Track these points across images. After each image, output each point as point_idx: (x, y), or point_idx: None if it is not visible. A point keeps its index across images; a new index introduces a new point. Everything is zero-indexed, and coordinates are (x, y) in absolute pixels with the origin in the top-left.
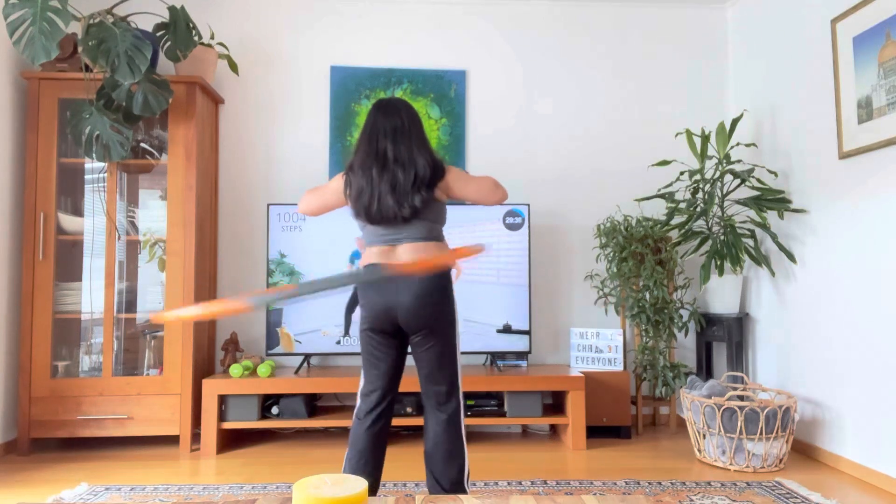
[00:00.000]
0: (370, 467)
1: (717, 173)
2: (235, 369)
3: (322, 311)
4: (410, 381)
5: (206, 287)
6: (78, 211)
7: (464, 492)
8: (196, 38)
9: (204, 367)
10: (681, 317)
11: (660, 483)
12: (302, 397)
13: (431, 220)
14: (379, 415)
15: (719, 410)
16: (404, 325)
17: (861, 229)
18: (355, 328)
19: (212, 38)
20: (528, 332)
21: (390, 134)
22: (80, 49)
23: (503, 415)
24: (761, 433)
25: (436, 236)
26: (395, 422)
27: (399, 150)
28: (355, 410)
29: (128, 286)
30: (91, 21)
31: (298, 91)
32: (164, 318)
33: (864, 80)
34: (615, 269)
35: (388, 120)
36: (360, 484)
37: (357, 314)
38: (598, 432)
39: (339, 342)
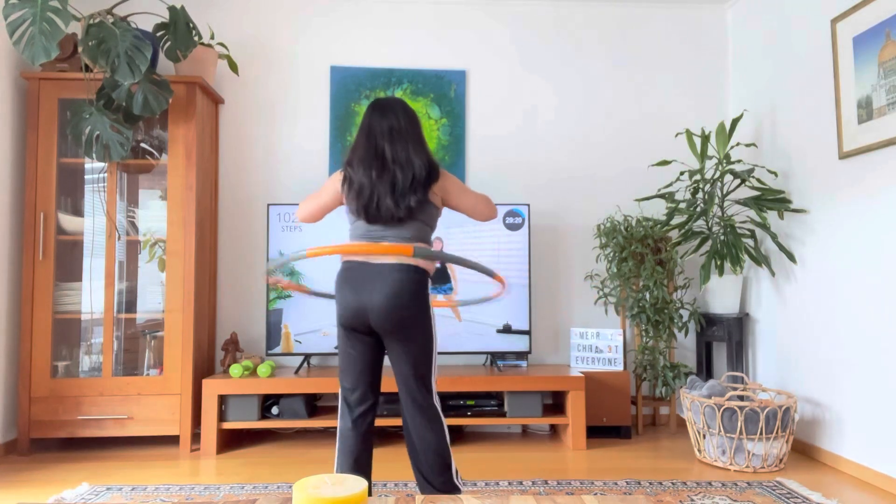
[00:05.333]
0: (360, 467)
1: (717, 173)
2: (235, 369)
3: (322, 312)
4: None
5: (206, 287)
6: (78, 211)
7: (457, 489)
8: (196, 38)
9: (204, 367)
10: (681, 317)
11: (660, 483)
12: (302, 397)
13: (423, 221)
14: (362, 413)
15: (719, 410)
16: (375, 325)
17: (861, 229)
18: None
19: (212, 38)
20: (528, 332)
21: (387, 134)
22: (80, 49)
23: (503, 415)
24: (761, 433)
25: (422, 238)
26: (393, 422)
27: (396, 150)
28: (339, 412)
29: (128, 286)
30: (91, 21)
31: (298, 91)
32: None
33: (864, 80)
34: (615, 269)
35: (384, 120)
36: (360, 484)
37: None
38: (598, 432)
39: None
